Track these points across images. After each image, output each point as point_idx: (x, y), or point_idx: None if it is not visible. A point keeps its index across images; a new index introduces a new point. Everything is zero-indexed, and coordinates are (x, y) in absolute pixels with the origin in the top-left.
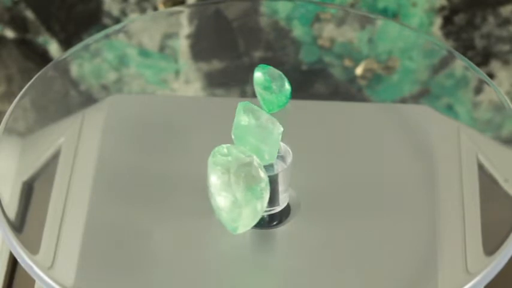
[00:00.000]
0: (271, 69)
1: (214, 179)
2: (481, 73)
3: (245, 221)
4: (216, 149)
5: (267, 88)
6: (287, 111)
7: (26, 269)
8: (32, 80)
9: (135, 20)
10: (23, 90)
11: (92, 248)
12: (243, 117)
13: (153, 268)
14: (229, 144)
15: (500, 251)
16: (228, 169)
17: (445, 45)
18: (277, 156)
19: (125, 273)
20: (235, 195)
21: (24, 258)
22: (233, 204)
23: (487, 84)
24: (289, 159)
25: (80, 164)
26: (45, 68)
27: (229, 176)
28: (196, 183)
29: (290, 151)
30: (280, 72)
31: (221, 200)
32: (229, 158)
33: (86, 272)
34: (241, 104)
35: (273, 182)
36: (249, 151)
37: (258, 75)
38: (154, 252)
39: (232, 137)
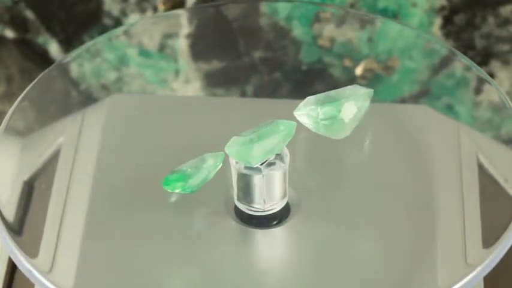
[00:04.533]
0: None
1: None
2: (481, 71)
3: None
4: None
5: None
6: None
7: (25, 273)
8: (34, 82)
9: (136, 23)
10: (24, 92)
11: (92, 251)
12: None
13: (153, 270)
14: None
15: (498, 243)
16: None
17: (445, 45)
18: (276, 155)
19: (125, 276)
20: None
21: (23, 263)
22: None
23: (488, 83)
24: (287, 159)
25: (80, 164)
26: (48, 70)
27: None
28: None
29: (287, 150)
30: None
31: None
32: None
33: (85, 275)
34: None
35: (272, 181)
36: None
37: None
38: (154, 254)
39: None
